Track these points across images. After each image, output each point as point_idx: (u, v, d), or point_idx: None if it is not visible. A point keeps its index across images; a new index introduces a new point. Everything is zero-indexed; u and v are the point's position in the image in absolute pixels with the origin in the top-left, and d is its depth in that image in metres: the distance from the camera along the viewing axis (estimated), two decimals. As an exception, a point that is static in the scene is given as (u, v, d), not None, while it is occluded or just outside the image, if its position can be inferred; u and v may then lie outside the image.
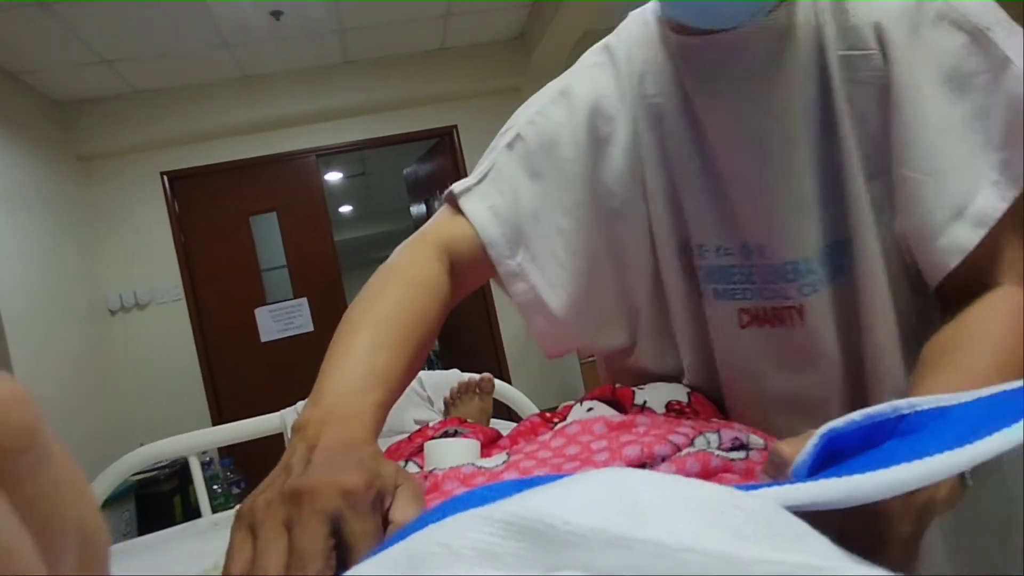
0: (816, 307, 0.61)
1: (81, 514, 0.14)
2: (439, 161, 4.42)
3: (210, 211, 3.97)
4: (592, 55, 0.72)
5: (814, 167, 0.60)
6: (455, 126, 4.18)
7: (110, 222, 3.79)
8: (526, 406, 1.79)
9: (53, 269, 3.30)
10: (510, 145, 0.70)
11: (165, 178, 3.88)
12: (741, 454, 0.48)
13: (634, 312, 0.71)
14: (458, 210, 0.70)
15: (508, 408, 1.83)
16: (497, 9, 3.65)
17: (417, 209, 5.12)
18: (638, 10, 0.70)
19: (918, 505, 0.40)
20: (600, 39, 0.73)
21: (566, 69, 0.72)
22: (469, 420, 1.15)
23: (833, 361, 0.62)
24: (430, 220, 0.72)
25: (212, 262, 3.94)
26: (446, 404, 1.53)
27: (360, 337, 0.53)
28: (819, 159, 0.60)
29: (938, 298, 0.60)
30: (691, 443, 0.48)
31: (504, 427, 1.59)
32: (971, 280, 0.55)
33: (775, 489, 0.27)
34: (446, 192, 0.71)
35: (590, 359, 3.68)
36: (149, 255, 3.82)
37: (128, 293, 3.79)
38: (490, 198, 0.68)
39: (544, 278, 0.67)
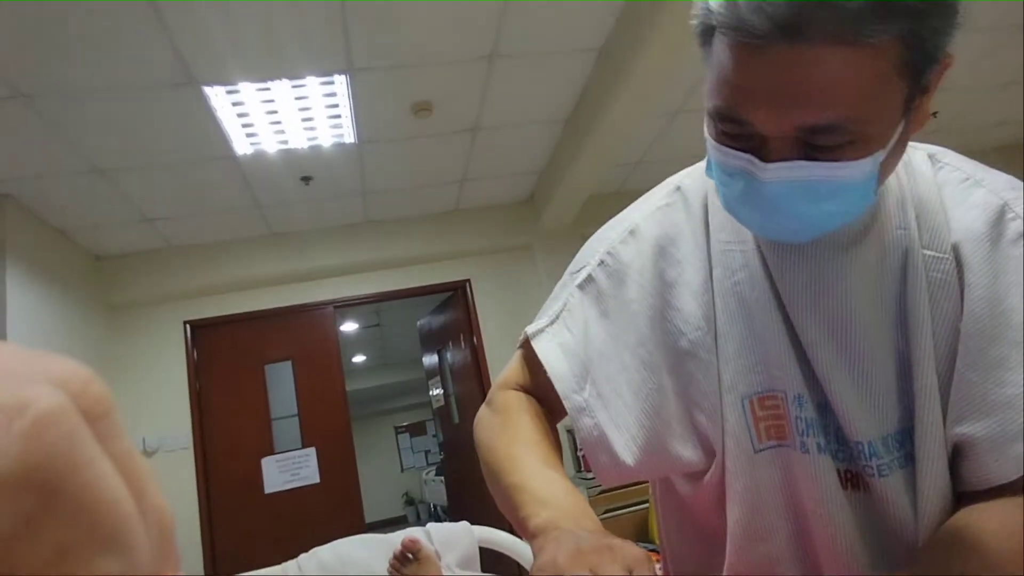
0: (891, 487, 0.60)
1: (153, 491, 0.16)
2: (452, 313, 4.55)
3: (228, 359, 4.05)
4: (662, 195, 0.72)
5: (888, 352, 0.60)
6: (468, 280, 4.35)
7: (132, 369, 3.87)
8: (527, 556, 1.71)
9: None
10: (582, 286, 0.72)
11: (187, 326, 4.01)
12: None
13: (709, 452, 0.67)
14: (530, 353, 0.72)
15: (518, 563, 1.75)
16: (509, 176, 3.97)
17: (429, 359, 5.17)
18: None
19: None
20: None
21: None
22: None
23: (896, 540, 0.61)
24: (504, 369, 0.77)
25: (224, 409, 3.95)
26: None
27: (530, 456, 0.64)
28: (895, 346, 0.60)
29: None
30: None
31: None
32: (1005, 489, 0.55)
33: None
34: (522, 336, 0.74)
35: (605, 504, 3.51)
36: (164, 402, 3.85)
37: (137, 440, 3.76)
38: (560, 336, 0.70)
39: (609, 416, 0.66)
